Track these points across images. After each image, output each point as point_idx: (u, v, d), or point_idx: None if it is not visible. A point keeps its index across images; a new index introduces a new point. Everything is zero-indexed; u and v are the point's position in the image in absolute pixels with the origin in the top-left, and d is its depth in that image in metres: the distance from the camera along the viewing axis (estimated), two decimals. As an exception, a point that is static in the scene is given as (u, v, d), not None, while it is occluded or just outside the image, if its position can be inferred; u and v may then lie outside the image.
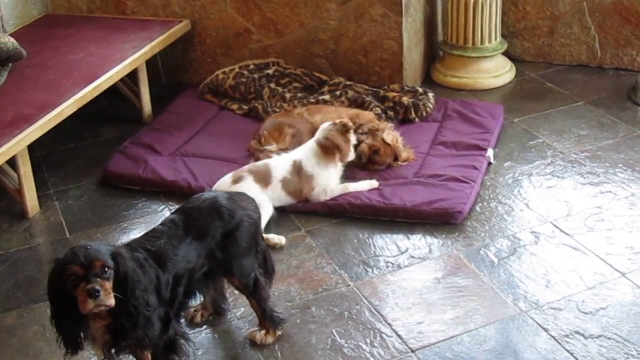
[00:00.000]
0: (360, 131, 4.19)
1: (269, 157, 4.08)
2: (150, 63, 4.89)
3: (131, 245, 2.71)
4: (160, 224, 2.83)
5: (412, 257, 3.55)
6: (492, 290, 3.31)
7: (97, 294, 2.43)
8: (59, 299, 2.51)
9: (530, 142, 4.42)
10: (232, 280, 3.01)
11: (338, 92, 4.73)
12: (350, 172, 4.09)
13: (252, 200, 3.04)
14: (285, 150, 4.17)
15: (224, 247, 2.87)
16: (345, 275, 3.46)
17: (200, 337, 3.14)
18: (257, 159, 4.15)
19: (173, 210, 3.02)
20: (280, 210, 3.88)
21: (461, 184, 3.93)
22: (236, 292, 3.18)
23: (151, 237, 2.75)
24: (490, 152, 4.24)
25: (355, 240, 3.69)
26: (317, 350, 3.05)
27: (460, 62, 5.09)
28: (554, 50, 5.32)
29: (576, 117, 4.67)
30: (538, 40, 5.34)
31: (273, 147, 4.19)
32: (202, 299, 3.16)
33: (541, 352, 2.98)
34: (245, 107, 4.77)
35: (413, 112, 4.59)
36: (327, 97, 4.71)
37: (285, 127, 4.31)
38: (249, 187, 3.71)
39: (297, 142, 4.21)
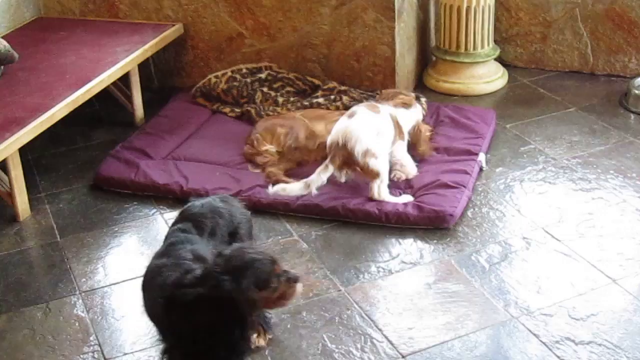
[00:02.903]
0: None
1: (266, 157, 4.16)
2: (143, 67, 4.89)
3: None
4: (171, 237, 2.80)
5: (404, 262, 3.55)
6: (483, 296, 3.31)
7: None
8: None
9: (522, 148, 4.42)
10: None
11: (332, 97, 4.72)
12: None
13: (241, 203, 3.07)
14: (281, 151, 4.20)
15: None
16: (337, 280, 3.46)
17: (191, 342, 3.12)
18: (255, 164, 4.17)
19: (174, 221, 2.96)
20: (271, 215, 3.88)
21: (453, 189, 3.93)
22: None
23: (176, 248, 2.75)
24: (482, 158, 4.24)
25: (347, 245, 3.68)
26: (307, 356, 3.04)
27: (453, 67, 5.10)
28: (546, 56, 5.33)
29: (568, 123, 4.67)
30: (531, 47, 5.35)
31: (271, 147, 4.21)
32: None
33: (532, 358, 2.97)
34: (238, 110, 4.76)
35: (405, 117, 4.59)
36: (321, 100, 4.71)
37: (277, 127, 4.31)
38: (362, 113, 3.94)
39: (292, 139, 4.23)
